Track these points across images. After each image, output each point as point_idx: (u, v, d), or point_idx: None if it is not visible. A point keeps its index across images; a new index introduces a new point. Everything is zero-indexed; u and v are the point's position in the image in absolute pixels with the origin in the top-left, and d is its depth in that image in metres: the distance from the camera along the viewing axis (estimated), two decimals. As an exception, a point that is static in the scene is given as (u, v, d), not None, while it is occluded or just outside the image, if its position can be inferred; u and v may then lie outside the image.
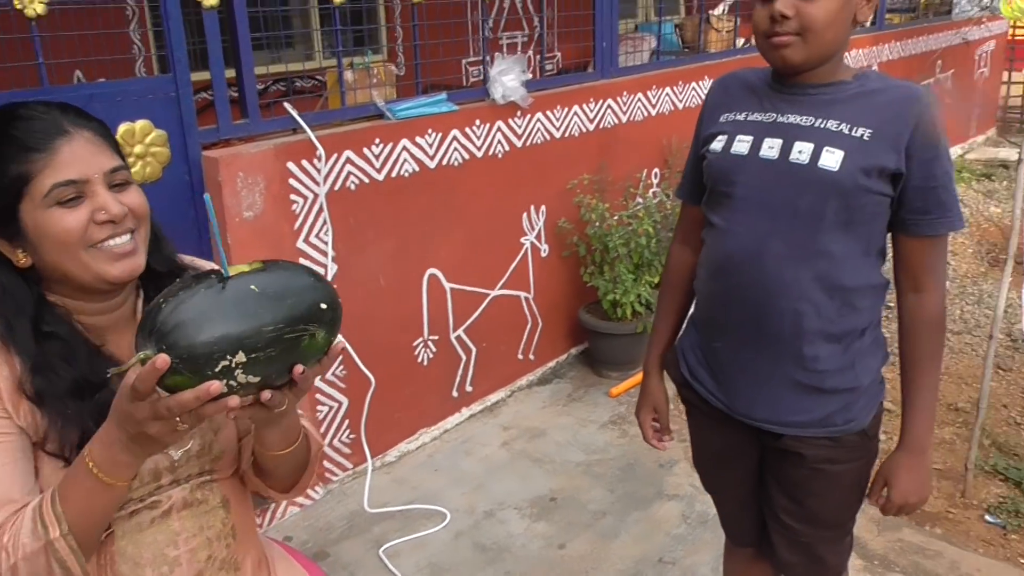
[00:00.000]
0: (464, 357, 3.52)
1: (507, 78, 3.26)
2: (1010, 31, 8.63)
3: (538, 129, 3.58)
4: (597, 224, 3.74)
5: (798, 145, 1.49)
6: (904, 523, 2.88)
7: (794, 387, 1.56)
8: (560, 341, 4.02)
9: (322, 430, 3.03)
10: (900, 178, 1.46)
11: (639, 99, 4.08)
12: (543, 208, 3.71)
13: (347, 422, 3.10)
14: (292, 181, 2.74)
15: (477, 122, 3.31)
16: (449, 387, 3.50)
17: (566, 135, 3.73)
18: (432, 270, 3.29)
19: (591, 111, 3.82)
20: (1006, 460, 3.30)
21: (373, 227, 3.03)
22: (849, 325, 1.54)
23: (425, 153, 3.14)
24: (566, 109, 3.69)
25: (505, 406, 3.71)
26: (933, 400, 1.57)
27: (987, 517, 3.00)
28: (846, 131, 1.46)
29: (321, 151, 2.75)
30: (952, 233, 1.52)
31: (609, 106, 3.91)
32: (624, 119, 4.02)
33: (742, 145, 1.55)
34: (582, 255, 3.81)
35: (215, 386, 0.93)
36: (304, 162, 2.76)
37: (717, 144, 1.60)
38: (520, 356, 3.81)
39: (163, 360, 0.91)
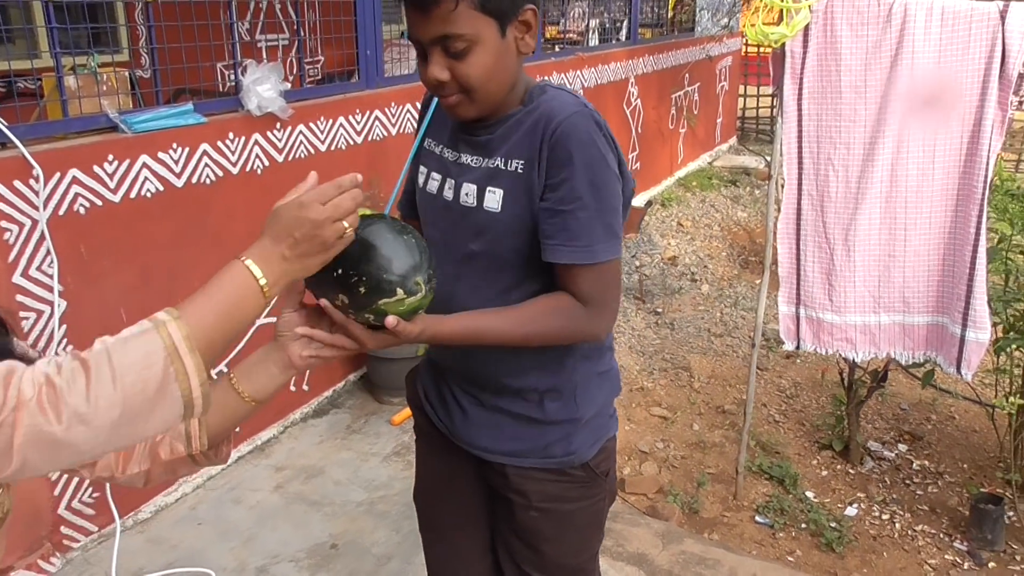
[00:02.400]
0: (228, 394, 3.17)
1: (263, 87, 2.97)
2: (743, 48, 9.43)
3: (301, 142, 3.32)
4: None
5: (466, 186, 1.43)
6: (686, 533, 2.94)
7: (513, 417, 1.52)
8: (336, 368, 3.77)
9: (56, 492, 2.59)
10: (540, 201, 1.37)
11: (408, 110, 3.92)
12: (310, 227, 3.44)
13: (88, 481, 2.68)
14: (2, 206, 2.30)
15: (231, 135, 2.99)
16: (211, 428, 3.14)
17: (332, 148, 3.49)
18: (185, 301, 2.92)
19: (358, 123, 3.61)
20: (769, 459, 3.50)
21: (110, 255, 2.63)
22: (554, 356, 1.48)
23: (170, 170, 2.79)
24: (330, 121, 3.45)
25: (278, 444, 3.41)
26: (483, 327, 1.38)
27: (757, 518, 3.14)
28: (503, 166, 1.40)
29: (38, 170, 2.34)
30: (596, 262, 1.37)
31: (377, 117, 3.72)
32: (394, 131, 3.84)
33: (433, 183, 1.49)
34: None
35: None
36: (17, 183, 2.33)
37: (420, 177, 1.53)
38: (292, 388, 3.52)
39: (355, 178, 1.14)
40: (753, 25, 2.92)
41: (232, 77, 5.71)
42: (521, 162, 1.36)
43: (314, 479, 3.18)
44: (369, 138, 3.69)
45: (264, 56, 6.34)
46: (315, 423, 3.58)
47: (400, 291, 1.17)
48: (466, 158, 1.43)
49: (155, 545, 2.77)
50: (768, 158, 4.35)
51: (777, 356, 4.47)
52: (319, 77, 5.46)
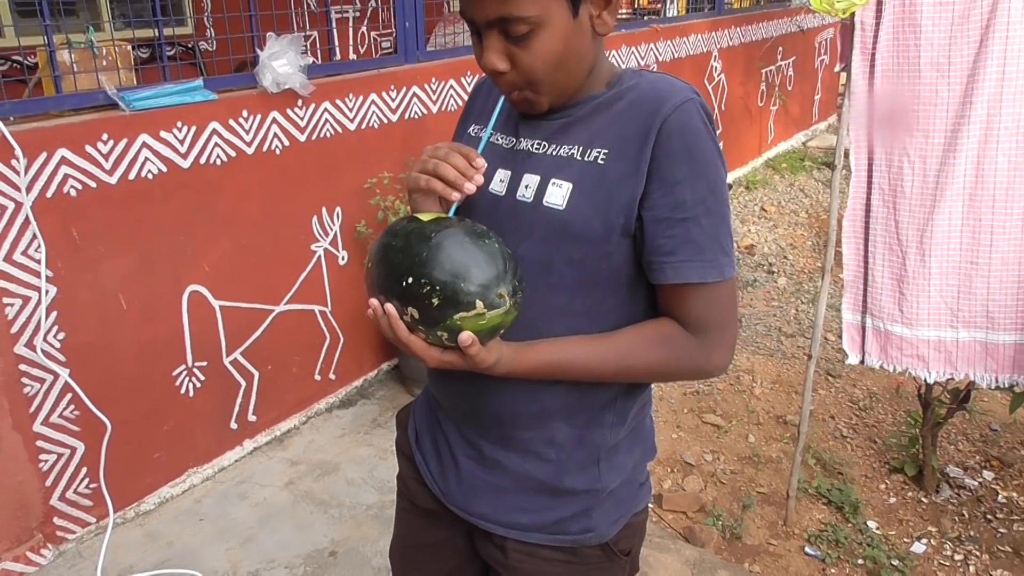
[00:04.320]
0: (243, 383, 3.05)
1: (279, 63, 2.79)
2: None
3: (326, 120, 3.13)
4: (399, 228, 3.33)
5: (526, 178, 1.16)
6: (721, 563, 2.64)
7: (519, 480, 1.22)
8: (368, 357, 3.60)
9: (48, 482, 2.51)
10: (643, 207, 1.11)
11: (451, 87, 3.68)
12: (338, 210, 3.26)
13: (85, 470, 2.59)
14: (-19, 188, 2.20)
15: (244, 113, 2.82)
16: (226, 418, 3.02)
17: (363, 127, 3.29)
18: (194, 287, 2.79)
19: (393, 100, 3.40)
20: (829, 481, 3.13)
21: (107, 239, 2.51)
22: (586, 401, 1.20)
23: (175, 150, 2.64)
24: (360, 97, 3.25)
25: (298, 435, 3.27)
26: (578, 360, 1.14)
27: (807, 549, 2.80)
28: (577, 156, 1.13)
29: (19, 150, 2.22)
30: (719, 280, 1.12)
31: (415, 94, 3.50)
32: (434, 109, 3.61)
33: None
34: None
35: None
36: (-3, 164, 2.22)
37: None
38: (318, 377, 3.37)
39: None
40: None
41: (304, 49, 5.62)
42: (604, 151, 1.11)
43: (327, 476, 3.02)
44: (406, 116, 3.48)
45: (334, 27, 6.22)
46: (340, 414, 3.42)
47: (480, 303, 1.01)
48: (527, 144, 1.18)
49: (151, 541, 2.66)
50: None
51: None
52: (391, 50, 5.29)
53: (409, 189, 1.16)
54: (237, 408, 3.05)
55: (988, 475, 3.23)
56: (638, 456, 1.28)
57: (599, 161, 1.11)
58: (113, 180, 2.49)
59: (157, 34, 2.62)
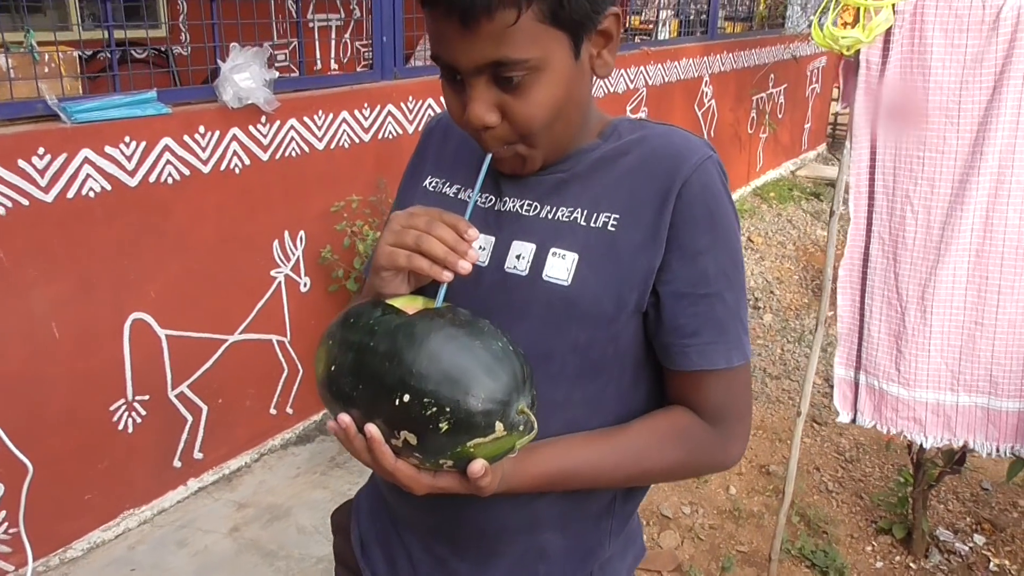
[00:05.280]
0: (190, 418, 2.82)
1: (241, 76, 2.58)
2: (842, 49, 8.65)
3: (292, 139, 2.92)
4: (366, 256, 3.12)
5: (517, 246, 0.98)
6: (693, 636, 2.44)
7: None
8: (328, 388, 3.38)
9: (-35, 530, 2.28)
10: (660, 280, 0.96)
11: (430, 105, 3.49)
12: (301, 234, 3.06)
13: (3, 513, 2.36)
14: None
15: (202, 129, 2.62)
16: (169, 456, 2.80)
17: (332, 146, 3.09)
18: (138, 314, 2.58)
19: (366, 118, 3.20)
20: (814, 541, 2.95)
21: (39, 263, 2.29)
22: (583, 505, 1.04)
23: (121, 167, 2.42)
24: (331, 115, 3.04)
25: (248, 474, 3.05)
26: (585, 468, 0.97)
27: (787, 622, 2.61)
28: (581, 220, 0.96)
29: (-65, 164, 2.00)
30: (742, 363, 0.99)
31: (390, 112, 3.30)
32: (411, 129, 3.42)
33: None
34: (353, 290, 3.18)
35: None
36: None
37: None
38: (274, 411, 3.15)
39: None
40: (821, 29, 2.37)
41: (283, 57, 5.41)
42: (614, 216, 0.95)
43: (277, 522, 2.80)
44: (380, 136, 3.28)
45: (315, 37, 6.02)
46: (296, 451, 3.21)
47: (500, 425, 0.81)
48: (514, 204, 1.00)
49: (77, 593, 2.44)
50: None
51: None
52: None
53: (377, 267, 0.93)
54: (182, 445, 2.83)
55: (979, 539, 3.06)
56: (630, 561, 1.12)
57: (609, 228, 0.94)
58: (49, 198, 2.27)
59: (107, 37, 2.41)
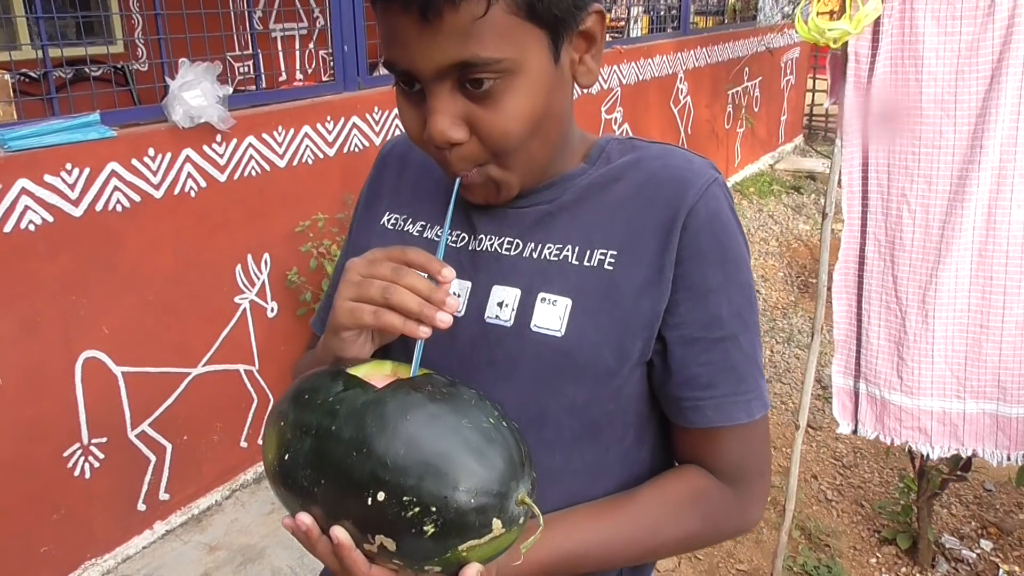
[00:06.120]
0: (153, 458, 2.65)
1: (191, 94, 2.42)
2: (815, 39, 8.58)
3: (250, 157, 2.76)
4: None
5: (497, 292, 0.84)
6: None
7: None
8: (302, 416, 3.22)
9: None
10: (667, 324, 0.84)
11: (396, 115, 3.33)
12: (266, 257, 2.89)
13: (-47, 577, 2.19)
14: None
15: (151, 151, 2.45)
16: (132, 500, 2.63)
17: (295, 163, 2.93)
18: (90, 352, 2.40)
19: (329, 132, 3.04)
20: (816, 555, 2.82)
21: (-24, 304, 2.12)
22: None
23: (63, 196, 2.25)
24: (291, 130, 2.88)
25: (219, 513, 2.88)
26: (596, 548, 0.84)
27: (794, 647, 2.48)
28: (573, 259, 0.83)
29: None
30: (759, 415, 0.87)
31: (355, 125, 3.14)
32: (377, 140, 3.26)
33: None
34: (323, 312, 3.02)
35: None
36: None
37: None
38: (244, 444, 2.98)
39: None
40: (806, 22, 2.23)
41: (245, 68, 5.23)
42: (611, 252, 0.82)
43: (250, 565, 2.63)
44: (345, 150, 3.12)
45: (280, 48, 5.85)
46: (269, 487, 3.03)
47: (497, 522, 0.68)
48: (491, 242, 0.86)
49: (35, 657, 2.26)
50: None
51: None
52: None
53: (337, 326, 0.78)
54: (146, 487, 2.65)
55: (987, 545, 2.94)
56: None
57: (606, 266, 0.82)
58: (-18, 234, 2.10)
59: (41, 56, 2.23)
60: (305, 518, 0.71)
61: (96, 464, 2.48)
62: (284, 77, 5.83)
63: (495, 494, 0.67)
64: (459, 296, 0.85)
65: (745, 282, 0.85)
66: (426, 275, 0.75)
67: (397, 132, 3.30)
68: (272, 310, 2.97)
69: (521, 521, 0.70)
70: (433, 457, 0.66)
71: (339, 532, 0.69)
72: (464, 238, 0.87)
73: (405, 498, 0.66)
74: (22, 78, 3.21)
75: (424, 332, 0.74)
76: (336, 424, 0.70)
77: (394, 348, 0.83)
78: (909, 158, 2.13)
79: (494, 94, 0.73)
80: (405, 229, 0.93)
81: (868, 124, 2.18)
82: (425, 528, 0.66)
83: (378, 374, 0.76)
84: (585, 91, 4.69)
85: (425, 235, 0.91)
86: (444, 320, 0.74)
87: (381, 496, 0.66)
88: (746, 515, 0.90)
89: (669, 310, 0.81)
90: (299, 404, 0.74)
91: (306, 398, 0.74)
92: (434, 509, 0.66)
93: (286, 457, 0.72)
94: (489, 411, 0.71)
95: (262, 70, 2.89)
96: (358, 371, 0.75)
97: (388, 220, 0.95)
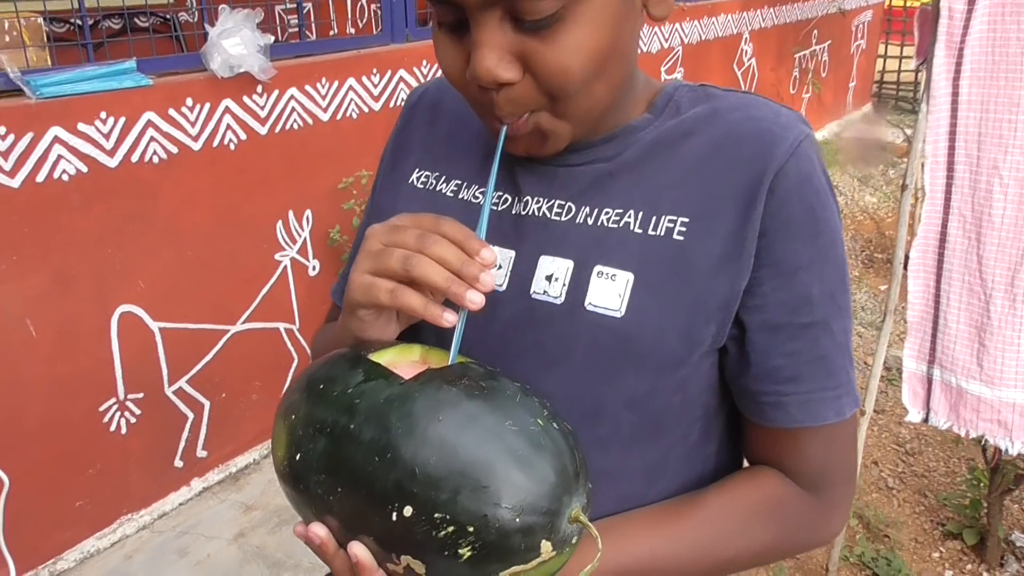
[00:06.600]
0: (191, 415, 2.61)
1: (230, 42, 2.31)
2: (887, 1, 8.17)
3: (292, 109, 2.65)
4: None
5: (545, 263, 0.72)
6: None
7: None
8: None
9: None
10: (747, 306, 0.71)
11: (447, 70, 3.19)
12: (307, 214, 2.80)
13: (-13, 528, 2.17)
14: None
15: (189, 101, 2.36)
16: (169, 456, 2.59)
17: (339, 117, 2.82)
18: (126, 307, 2.35)
19: (375, 85, 2.92)
20: (875, 547, 2.67)
21: (8, 255, 2.07)
22: None
23: (98, 146, 2.18)
24: (336, 83, 2.77)
25: (257, 472, 2.83)
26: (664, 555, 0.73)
27: (847, 644, 2.35)
28: (636, 226, 0.70)
29: None
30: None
31: (402, 78, 3.02)
32: (426, 95, 3.13)
33: None
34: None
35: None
36: None
37: None
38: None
39: None
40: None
41: (295, 21, 5.13)
42: (681, 219, 0.69)
43: (285, 527, 2.58)
44: (391, 104, 3.00)
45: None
46: (307, 449, 2.98)
47: (547, 545, 0.57)
48: (539, 205, 0.74)
49: (65, 612, 2.25)
50: (909, 131, 3.40)
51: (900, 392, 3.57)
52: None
53: (352, 303, 0.67)
54: (183, 444, 2.61)
55: (1060, 544, 2.76)
56: None
57: (675, 236, 0.69)
58: (15, 183, 2.03)
59: (77, 4, 2.15)
60: (319, 530, 0.62)
61: (132, 420, 2.44)
62: (335, 31, 5.71)
63: (544, 512, 0.57)
64: (501, 268, 0.73)
65: (839, 258, 0.72)
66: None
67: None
68: (314, 268, 2.88)
69: (574, 541, 0.59)
70: (470, 467, 0.56)
71: (359, 550, 0.59)
72: (507, 200, 0.75)
73: (436, 515, 0.56)
74: (68, 26, 3.14)
75: (448, 319, 0.62)
76: (355, 423, 0.60)
77: (424, 328, 0.71)
78: (1004, 127, 1.93)
79: (552, 24, 0.61)
80: (437, 189, 0.81)
81: (959, 88, 1.98)
82: (460, 551, 0.56)
83: (405, 361, 0.65)
84: (643, 48, 4.47)
85: (461, 195, 0.79)
86: (475, 300, 0.62)
87: (408, 511, 0.56)
88: (828, 526, 0.79)
89: (750, 290, 0.69)
90: (312, 396, 0.64)
91: (320, 388, 0.63)
92: (471, 529, 0.55)
93: (297, 457, 0.63)
94: (537, 410, 0.60)
95: (306, 19, 2.76)
96: (381, 357, 0.64)
97: (417, 178, 0.83)
